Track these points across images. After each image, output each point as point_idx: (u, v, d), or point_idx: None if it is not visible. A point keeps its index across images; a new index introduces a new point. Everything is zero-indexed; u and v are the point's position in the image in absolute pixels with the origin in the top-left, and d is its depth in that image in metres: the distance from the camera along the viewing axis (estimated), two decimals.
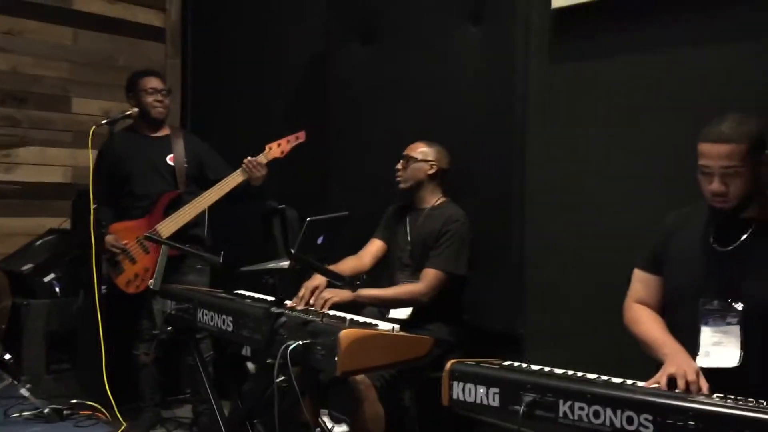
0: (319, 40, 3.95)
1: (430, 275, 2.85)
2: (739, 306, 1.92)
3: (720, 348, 1.93)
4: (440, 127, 3.25)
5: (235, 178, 3.41)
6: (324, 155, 3.81)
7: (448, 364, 1.95)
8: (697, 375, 1.82)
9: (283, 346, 2.10)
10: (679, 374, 1.81)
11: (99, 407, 2.81)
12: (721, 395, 1.72)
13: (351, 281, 2.42)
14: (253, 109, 4.34)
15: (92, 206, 3.05)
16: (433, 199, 3.04)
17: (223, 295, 2.79)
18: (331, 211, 2.56)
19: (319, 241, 2.42)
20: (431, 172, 3.02)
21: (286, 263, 3.00)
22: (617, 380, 1.83)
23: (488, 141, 3.13)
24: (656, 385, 1.82)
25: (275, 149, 3.41)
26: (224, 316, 2.51)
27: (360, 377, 2.58)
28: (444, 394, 1.95)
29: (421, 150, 3.03)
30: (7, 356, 3.37)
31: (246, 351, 2.76)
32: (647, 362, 2.05)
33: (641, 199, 2.63)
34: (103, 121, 3.27)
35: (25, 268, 3.91)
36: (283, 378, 2.14)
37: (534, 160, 2.99)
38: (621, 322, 2.22)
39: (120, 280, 3.44)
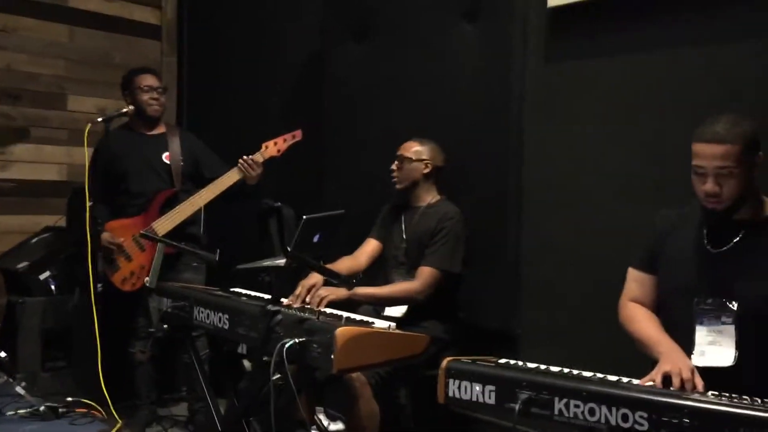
0: (316, 38, 3.95)
1: (425, 273, 2.86)
2: (734, 306, 1.93)
3: (715, 347, 1.94)
4: (436, 125, 3.25)
5: (231, 177, 3.41)
6: (320, 153, 3.81)
7: (444, 362, 1.95)
8: (692, 373, 1.82)
9: (280, 344, 2.11)
10: (674, 372, 1.82)
11: (95, 405, 2.81)
12: (716, 393, 1.73)
13: (347, 279, 2.41)
14: (250, 107, 4.34)
15: (88, 204, 3.04)
16: (429, 197, 3.04)
17: (220, 292, 2.79)
18: (327, 209, 2.56)
19: (315, 239, 2.42)
20: (426, 171, 3.02)
21: (282, 261, 2.99)
22: (613, 378, 1.84)
23: (484, 139, 3.13)
24: (651, 383, 1.83)
25: (272, 148, 3.41)
26: (220, 314, 2.51)
27: (355, 375, 2.58)
28: (440, 391, 1.95)
29: (415, 149, 3.03)
30: (3, 354, 3.36)
31: (242, 349, 2.75)
32: (642, 361, 2.06)
33: (637, 197, 2.63)
34: (99, 119, 3.26)
35: (20, 265, 3.90)
36: (279, 376, 2.14)
37: (530, 158, 3.00)
38: (616, 320, 2.23)
39: (116, 277, 3.43)
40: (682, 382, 1.80)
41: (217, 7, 4.70)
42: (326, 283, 2.68)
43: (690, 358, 1.95)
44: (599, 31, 2.77)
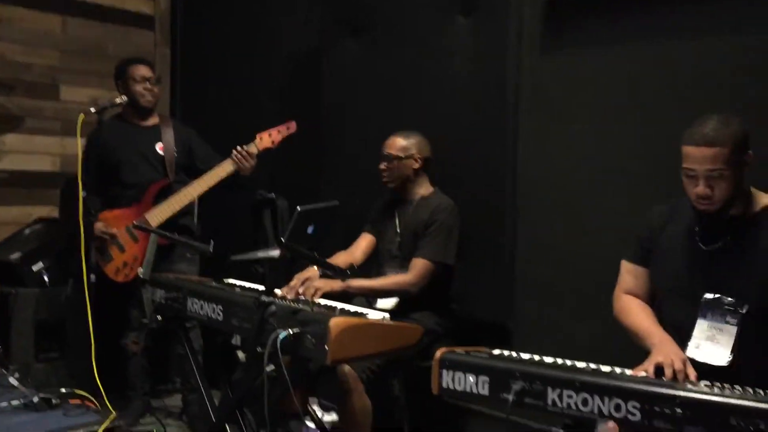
0: (311, 30, 3.94)
1: (418, 265, 2.86)
2: (744, 308, 1.93)
3: (711, 344, 1.94)
4: (431, 119, 3.24)
5: (225, 168, 3.40)
6: (315, 146, 3.81)
7: (438, 353, 1.96)
8: (684, 364, 1.84)
9: (273, 335, 2.10)
10: (666, 363, 1.83)
11: (88, 396, 2.80)
12: (708, 383, 1.74)
13: (342, 271, 2.41)
14: (244, 98, 4.33)
15: (81, 194, 3.03)
16: (422, 189, 3.03)
17: (213, 284, 2.79)
18: (321, 201, 2.56)
19: (309, 230, 2.41)
20: (417, 166, 3.00)
21: (276, 252, 2.99)
22: (605, 368, 1.85)
23: (480, 133, 3.13)
24: (644, 374, 1.84)
25: (266, 139, 3.40)
26: (214, 305, 2.51)
27: (347, 369, 2.58)
28: (434, 382, 1.96)
29: (401, 146, 2.99)
30: None
31: (236, 340, 2.75)
32: (635, 352, 2.07)
33: (632, 192, 2.64)
34: (92, 110, 3.24)
35: (13, 257, 3.88)
36: (273, 367, 2.14)
37: (526, 151, 3.00)
38: (609, 312, 2.24)
39: (109, 268, 3.43)
40: (675, 372, 1.81)
41: None
42: (322, 277, 2.68)
43: (684, 349, 1.95)
44: (594, 24, 2.77)
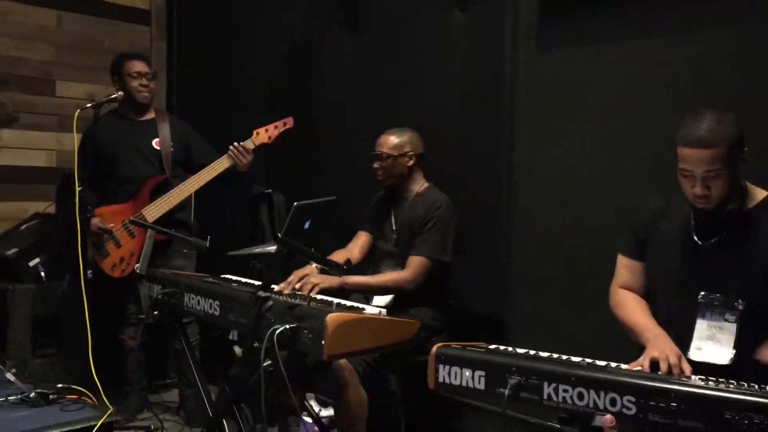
0: (307, 25, 3.93)
1: (415, 263, 2.86)
2: (740, 304, 1.93)
3: (712, 343, 1.94)
4: (427, 114, 3.25)
5: (222, 164, 3.40)
6: (311, 141, 3.81)
7: (434, 348, 1.97)
8: (679, 358, 1.84)
9: (270, 330, 2.11)
10: (661, 358, 1.84)
11: (85, 391, 2.80)
12: (703, 377, 1.75)
13: (339, 266, 2.42)
14: (240, 93, 4.32)
15: (77, 190, 3.03)
16: (417, 185, 3.03)
17: (210, 279, 2.79)
18: (318, 196, 2.56)
19: (306, 225, 2.42)
20: (411, 163, 2.99)
21: (273, 248, 2.99)
22: (601, 363, 1.85)
23: (475, 127, 3.13)
24: (639, 368, 1.84)
25: (263, 134, 3.40)
26: (211, 301, 2.51)
27: (343, 363, 2.59)
28: (430, 377, 1.96)
29: (394, 144, 2.97)
30: None
31: (233, 335, 2.75)
32: (631, 346, 2.08)
33: (628, 186, 2.64)
34: (88, 105, 3.24)
35: (9, 252, 3.88)
36: (269, 362, 2.15)
37: (521, 146, 3.00)
38: (605, 306, 2.24)
39: (105, 264, 3.43)
40: (670, 367, 1.82)
41: None
42: (320, 273, 2.68)
43: (688, 350, 1.96)
44: (590, 19, 2.77)
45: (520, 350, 1.97)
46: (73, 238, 3.01)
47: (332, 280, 2.66)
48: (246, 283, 2.68)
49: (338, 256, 3.00)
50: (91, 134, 3.44)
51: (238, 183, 3.55)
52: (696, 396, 1.58)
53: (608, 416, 1.64)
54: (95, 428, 2.51)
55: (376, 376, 2.75)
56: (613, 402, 1.65)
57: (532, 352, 1.94)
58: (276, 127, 3.40)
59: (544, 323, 2.89)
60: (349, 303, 2.38)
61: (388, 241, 3.02)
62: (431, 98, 3.29)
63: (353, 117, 3.64)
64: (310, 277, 2.63)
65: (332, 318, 2.04)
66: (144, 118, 3.64)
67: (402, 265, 2.91)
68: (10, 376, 2.86)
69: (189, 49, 4.84)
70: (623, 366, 1.85)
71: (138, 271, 2.87)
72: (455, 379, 1.91)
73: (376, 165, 3.00)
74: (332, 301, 2.38)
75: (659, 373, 1.81)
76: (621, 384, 1.66)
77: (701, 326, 1.98)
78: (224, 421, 2.63)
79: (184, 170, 3.58)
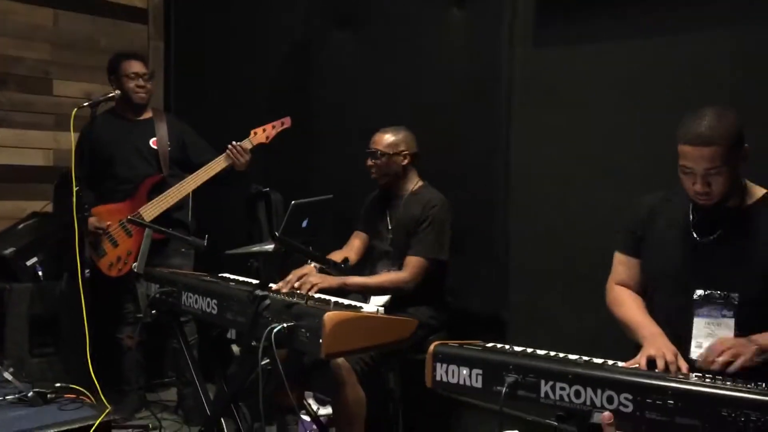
0: (304, 24, 3.93)
1: (413, 263, 2.86)
2: (735, 299, 1.94)
3: (712, 340, 1.94)
4: (424, 112, 3.25)
5: (219, 163, 3.40)
6: (308, 139, 3.81)
7: (432, 346, 1.97)
8: (675, 356, 1.85)
9: (268, 329, 2.11)
10: (658, 355, 1.84)
11: (83, 390, 2.80)
12: (699, 374, 1.76)
13: (337, 265, 2.42)
14: (238, 92, 4.32)
15: (74, 189, 3.03)
16: (411, 184, 3.02)
17: (208, 278, 2.79)
18: (315, 194, 2.56)
19: (304, 224, 2.42)
20: (406, 162, 2.99)
21: (270, 246, 2.99)
22: (598, 361, 1.86)
23: (473, 125, 3.13)
24: (636, 366, 1.85)
25: (260, 134, 3.40)
26: (208, 299, 2.51)
27: (341, 361, 2.59)
28: (427, 375, 1.97)
29: (388, 142, 2.97)
30: None
31: (231, 334, 2.75)
32: (628, 344, 2.08)
33: (625, 184, 2.64)
34: (85, 104, 3.23)
35: (7, 251, 3.87)
36: (267, 361, 2.15)
37: (518, 143, 3.00)
38: (602, 304, 2.25)
39: (102, 263, 3.43)
40: (666, 364, 1.82)
41: None
42: (318, 272, 2.68)
43: (687, 348, 1.96)
44: (587, 18, 2.77)
45: (517, 348, 1.98)
46: (71, 238, 3.01)
47: (331, 280, 2.66)
48: (244, 281, 2.68)
49: (335, 256, 3.00)
50: (89, 133, 3.44)
51: (236, 183, 3.55)
52: (693, 393, 1.59)
53: (606, 413, 1.64)
54: (93, 427, 2.51)
55: (374, 374, 2.75)
56: (610, 399, 1.66)
57: (529, 350, 1.95)
58: (273, 126, 3.40)
59: (541, 321, 2.89)
60: (346, 302, 2.39)
61: (384, 240, 3.02)
62: (429, 97, 3.29)
63: (350, 115, 3.64)
64: (309, 276, 2.63)
65: (330, 317, 2.04)
66: (141, 118, 3.64)
67: (398, 265, 2.91)
68: (7, 375, 2.86)
69: (186, 48, 4.84)
70: (620, 364, 1.86)
71: (136, 270, 2.87)
72: (453, 377, 1.91)
73: (370, 162, 3.00)
74: (330, 300, 2.38)
75: (656, 370, 1.82)
76: (618, 382, 1.67)
77: (699, 323, 1.99)
78: (222, 419, 2.63)
79: (181, 169, 3.58)
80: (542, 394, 1.75)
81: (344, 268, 2.45)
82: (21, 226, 4.09)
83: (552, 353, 1.91)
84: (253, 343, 2.19)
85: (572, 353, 1.92)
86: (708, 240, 2.02)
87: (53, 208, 4.22)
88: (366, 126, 3.17)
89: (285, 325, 2.11)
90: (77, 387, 2.81)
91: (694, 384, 1.63)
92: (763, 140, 2.06)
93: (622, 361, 1.88)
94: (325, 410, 3.20)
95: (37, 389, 2.72)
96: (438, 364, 1.94)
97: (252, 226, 3.73)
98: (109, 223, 3.43)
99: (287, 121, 3.40)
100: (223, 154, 3.39)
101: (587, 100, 2.79)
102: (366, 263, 3.09)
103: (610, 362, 1.85)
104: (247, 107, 4.17)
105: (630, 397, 1.64)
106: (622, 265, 2.23)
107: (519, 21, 2.97)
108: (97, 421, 2.53)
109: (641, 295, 2.19)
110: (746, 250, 1.97)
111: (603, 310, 2.25)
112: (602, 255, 2.32)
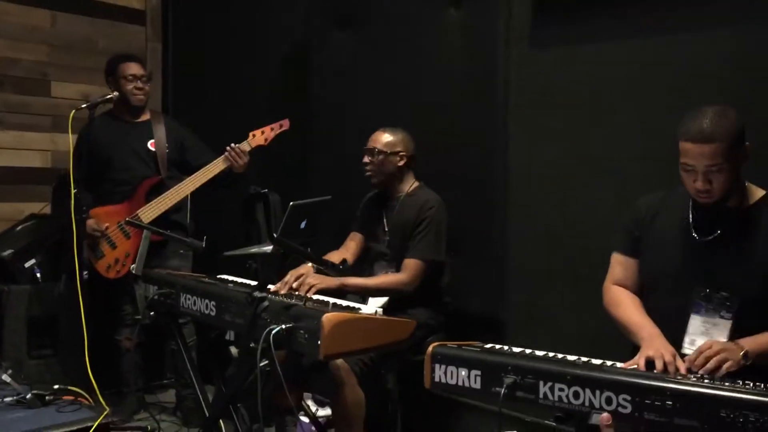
0: (302, 25, 3.93)
1: (411, 265, 2.85)
2: (735, 303, 1.94)
3: (706, 339, 1.95)
4: (421, 113, 3.25)
5: (218, 165, 3.40)
6: (306, 140, 3.80)
7: (430, 347, 1.97)
8: (674, 357, 1.85)
9: (266, 331, 2.11)
10: (656, 356, 1.84)
11: (82, 392, 2.80)
12: (698, 375, 1.76)
13: (335, 266, 2.42)
14: (236, 93, 4.32)
15: (73, 190, 3.03)
16: (407, 186, 3.01)
17: (206, 279, 2.79)
18: (313, 195, 2.55)
19: (302, 225, 2.42)
20: (402, 163, 2.98)
21: (269, 248, 2.99)
22: (597, 362, 1.86)
23: (470, 126, 3.14)
24: (635, 367, 1.85)
25: (259, 137, 3.40)
26: (207, 301, 2.51)
27: (340, 363, 2.59)
28: (426, 377, 1.97)
29: (386, 141, 2.97)
30: None
31: (230, 335, 2.76)
32: (627, 344, 2.08)
33: (623, 183, 2.65)
34: (83, 105, 3.23)
35: (5, 253, 3.87)
36: (266, 362, 2.15)
37: (516, 144, 3.01)
38: (601, 305, 2.25)
39: (100, 265, 3.43)
40: (665, 365, 1.82)
41: None
42: (316, 273, 2.68)
43: (681, 345, 1.96)
44: (584, 18, 2.77)
45: (515, 349, 1.97)
46: (69, 239, 3.01)
47: (330, 281, 2.66)
48: (242, 283, 2.68)
49: (333, 257, 3.00)
50: (86, 135, 3.44)
51: (234, 184, 3.55)
52: (691, 394, 1.59)
53: (605, 414, 1.65)
54: (92, 429, 2.51)
55: (373, 375, 2.75)
56: (608, 401, 1.66)
57: (527, 351, 1.95)
58: (272, 129, 3.40)
59: (541, 322, 2.89)
60: (345, 303, 2.38)
61: (381, 242, 3.02)
62: (426, 97, 3.29)
63: (348, 116, 3.64)
64: (307, 277, 2.63)
65: (328, 318, 2.04)
66: (139, 120, 3.64)
67: (395, 267, 2.91)
68: (6, 377, 2.85)
69: (184, 50, 4.84)
70: (619, 365, 1.86)
71: (134, 271, 2.87)
72: (451, 378, 1.91)
73: (366, 159, 2.99)
74: (328, 301, 2.38)
75: (655, 371, 1.82)
76: (617, 383, 1.67)
77: (695, 321, 1.99)
78: (221, 421, 2.63)
79: (179, 171, 3.58)
80: (541, 395, 1.75)
81: (342, 269, 2.45)
82: (19, 228, 4.09)
83: (551, 354, 1.91)
84: (252, 345, 2.19)
85: (572, 354, 1.91)
86: (708, 240, 2.02)
87: (51, 209, 4.22)
88: (364, 127, 3.17)
89: (283, 326, 2.11)
90: (75, 389, 2.81)
91: (693, 385, 1.63)
92: (763, 140, 2.06)
93: (621, 359, 1.88)
94: (324, 411, 3.20)
95: (35, 391, 2.72)
96: (437, 366, 1.94)
97: (250, 227, 3.73)
98: (107, 225, 3.43)
99: (286, 123, 3.40)
100: (222, 156, 3.39)
101: (583, 101, 2.80)
102: (363, 264, 3.09)
103: (609, 363, 1.85)
104: (245, 108, 4.17)
105: (629, 398, 1.64)
106: (620, 266, 2.24)
107: (515, 22, 2.98)
108: (96, 423, 2.53)
109: (638, 295, 2.19)
110: (746, 250, 1.97)
111: (602, 311, 2.25)
112: (602, 255, 2.32)
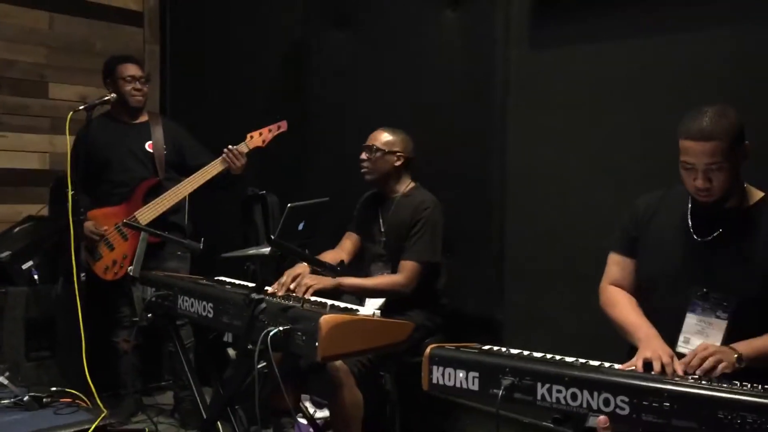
0: (299, 25, 3.93)
1: (408, 267, 2.85)
2: (733, 303, 1.94)
3: (700, 338, 1.95)
4: (419, 114, 3.25)
5: (215, 167, 3.40)
6: (304, 142, 3.80)
7: (428, 349, 1.96)
8: (672, 358, 1.84)
9: (264, 332, 2.10)
10: (654, 357, 1.84)
11: (79, 394, 2.79)
12: (696, 377, 1.75)
13: (332, 267, 2.41)
14: (234, 95, 4.31)
15: (70, 192, 3.02)
16: (402, 186, 3.01)
17: (204, 281, 2.78)
18: (311, 197, 2.55)
19: (300, 227, 2.41)
20: (398, 163, 2.98)
21: (266, 249, 2.99)
22: (594, 363, 1.85)
23: (468, 126, 3.13)
24: (632, 369, 1.85)
25: (256, 138, 3.40)
26: (204, 303, 2.50)
27: (338, 364, 2.59)
28: (424, 378, 1.96)
29: (385, 140, 2.96)
30: None
31: (227, 337, 2.75)
32: (624, 346, 2.08)
33: (621, 184, 2.64)
34: (81, 107, 3.23)
35: (2, 255, 3.86)
36: (264, 364, 2.14)
37: (514, 144, 3.00)
38: (598, 306, 2.24)
39: (98, 267, 3.42)
40: (663, 367, 1.82)
41: None
42: (312, 273, 2.67)
43: (676, 343, 1.96)
44: (582, 18, 2.77)
45: (513, 351, 1.97)
46: (67, 241, 3.01)
47: (327, 281, 2.66)
48: (240, 285, 2.67)
49: (328, 257, 3.00)
50: (84, 137, 3.43)
51: (231, 186, 3.54)
52: (689, 396, 1.58)
53: (602, 417, 1.64)
54: (89, 431, 2.51)
55: (371, 376, 2.75)
56: (606, 402, 1.65)
57: (525, 353, 1.94)
58: (270, 130, 3.40)
59: (540, 322, 2.89)
60: (342, 304, 2.38)
61: (377, 243, 3.01)
62: (425, 98, 3.29)
63: (347, 117, 3.64)
64: (303, 277, 2.62)
65: (326, 320, 2.03)
66: (137, 121, 3.63)
67: (391, 267, 2.90)
68: (3, 379, 2.85)
69: (182, 51, 4.83)
70: (617, 366, 1.85)
71: (131, 273, 2.86)
72: (449, 380, 1.91)
73: (363, 156, 2.98)
74: (326, 303, 2.37)
75: (652, 373, 1.81)
76: (614, 384, 1.66)
77: (691, 320, 1.99)
78: (219, 423, 2.62)
79: (177, 173, 3.58)
80: (539, 397, 1.75)
81: (340, 270, 2.45)
82: (17, 229, 4.08)
83: (548, 356, 1.91)
84: (249, 347, 2.19)
85: (571, 355, 1.91)
86: (707, 240, 2.02)
87: (49, 211, 4.21)
88: (362, 127, 3.17)
89: (281, 328, 2.11)
90: (73, 391, 2.81)
91: (691, 386, 1.63)
92: (763, 140, 2.06)
93: (619, 360, 1.88)
94: (322, 413, 3.20)
95: (33, 393, 2.72)
96: (434, 367, 1.93)
97: (248, 229, 3.72)
98: (105, 227, 3.42)
99: (284, 125, 3.40)
100: (220, 158, 3.39)
101: (582, 101, 2.79)
102: (359, 264, 3.09)
103: (607, 364, 1.85)
104: (244, 109, 4.17)
105: (626, 399, 1.63)
106: (617, 265, 2.23)
107: (513, 23, 2.97)
108: (93, 425, 2.53)
109: (634, 295, 2.19)
110: (745, 250, 1.97)
111: (599, 312, 2.24)
112: (601, 255, 2.32)
